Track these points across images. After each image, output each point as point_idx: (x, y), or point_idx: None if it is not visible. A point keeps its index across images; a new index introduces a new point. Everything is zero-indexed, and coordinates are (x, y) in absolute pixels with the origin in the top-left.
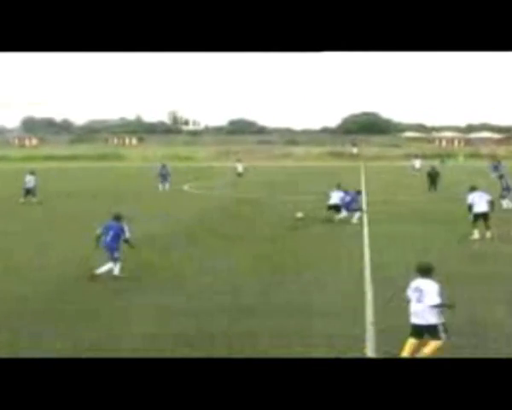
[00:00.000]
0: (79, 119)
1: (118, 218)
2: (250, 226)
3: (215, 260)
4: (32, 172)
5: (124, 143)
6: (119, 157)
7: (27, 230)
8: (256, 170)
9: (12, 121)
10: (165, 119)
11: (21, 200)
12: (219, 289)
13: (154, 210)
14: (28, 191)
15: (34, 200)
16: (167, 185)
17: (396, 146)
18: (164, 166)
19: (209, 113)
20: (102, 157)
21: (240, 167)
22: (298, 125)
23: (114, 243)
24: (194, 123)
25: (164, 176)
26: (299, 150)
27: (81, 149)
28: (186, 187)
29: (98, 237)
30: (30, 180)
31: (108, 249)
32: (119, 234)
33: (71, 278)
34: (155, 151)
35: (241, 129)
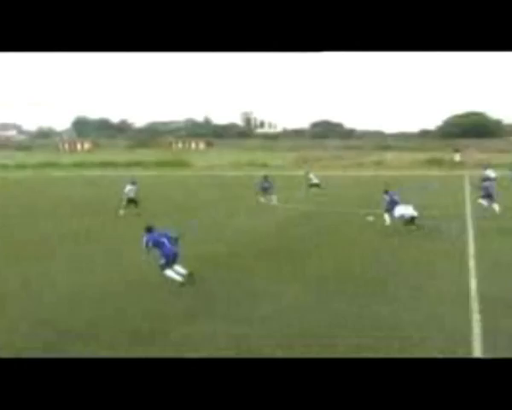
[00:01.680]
0: (139, 120)
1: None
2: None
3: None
4: (134, 182)
5: (190, 148)
6: (183, 164)
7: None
8: (340, 179)
9: (61, 123)
10: (238, 121)
11: (121, 212)
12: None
13: (224, 225)
14: (130, 201)
15: (136, 210)
16: (273, 198)
17: (506, 151)
18: (266, 179)
19: (288, 114)
20: (164, 164)
21: (314, 178)
22: (391, 127)
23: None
24: (271, 125)
25: (266, 189)
26: (391, 157)
27: (141, 154)
28: (262, 199)
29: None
30: (131, 190)
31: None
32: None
33: None
34: (225, 157)
35: (324, 132)
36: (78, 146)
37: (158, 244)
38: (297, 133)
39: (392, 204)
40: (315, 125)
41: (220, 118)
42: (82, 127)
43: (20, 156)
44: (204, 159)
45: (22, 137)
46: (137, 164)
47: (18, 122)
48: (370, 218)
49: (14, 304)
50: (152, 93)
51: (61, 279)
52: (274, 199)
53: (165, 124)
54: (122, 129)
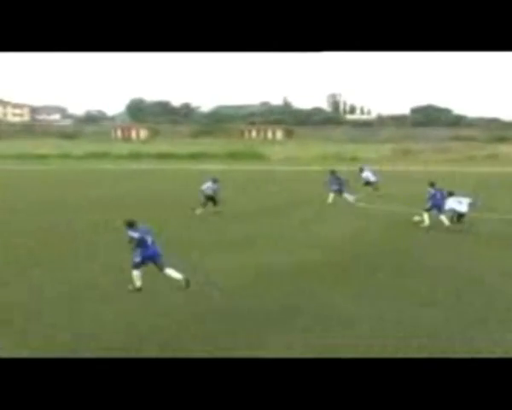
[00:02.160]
0: (205, 104)
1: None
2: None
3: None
4: (215, 180)
5: (265, 138)
6: (257, 156)
7: None
8: (448, 177)
9: (113, 106)
10: (324, 105)
11: (198, 211)
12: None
13: (313, 227)
14: (209, 199)
15: (217, 208)
16: (350, 197)
17: None
18: (334, 174)
19: (384, 97)
20: (234, 156)
21: (371, 175)
22: (509, 114)
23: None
24: (364, 111)
25: (337, 186)
26: (508, 150)
27: (206, 144)
28: (351, 199)
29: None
30: (209, 188)
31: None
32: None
33: None
34: (308, 149)
35: (428, 119)
36: (133, 133)
37: (141, 242)
38: (395, 120)
39: (436, 202)
40: (416, 110)
41: (302, 102)
42: (138, 111)
43: (64, 145)
44: (282, 150)
45: (67, 121)
46: (202, 155)
47: (63, 104)
48: (417, 218)
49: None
50: (220, 71)
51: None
52: (350, 198)
53: (235, 108)
54: (185, 114)
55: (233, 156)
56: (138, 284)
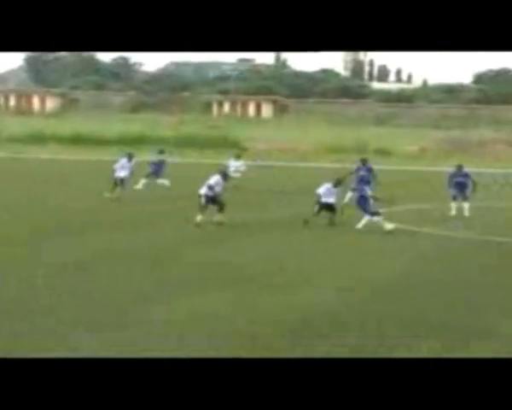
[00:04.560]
0: (150, 59)
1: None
2: None
3: None
4: (131, 156)
5: (244, 115)
6: (231, 144)
7: None
8: None
9: (4, 60)
10: (338, 66)
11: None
12: None
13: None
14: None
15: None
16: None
17: None
18: (364, 163)
19: (434, 58)
20: (194, 142)
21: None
22: None
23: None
24: (401, 77)
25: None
26: None
27: (150, 121)
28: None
29: None
30: (123, 167)
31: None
32: None
33: None
34: (309, 135)
35: (499, 93)
36: (35, 103)
37: None
38: (449, 93)
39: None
40: (482, 78)
41: (304, 60)
42: (43, 69)
43: None
44: (270, 135)
45: None
46: (143, 139)
47: None
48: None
49: None
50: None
51: None
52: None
53: (198, 67)
54: (118, 75)
55: (191, 143)
56: None
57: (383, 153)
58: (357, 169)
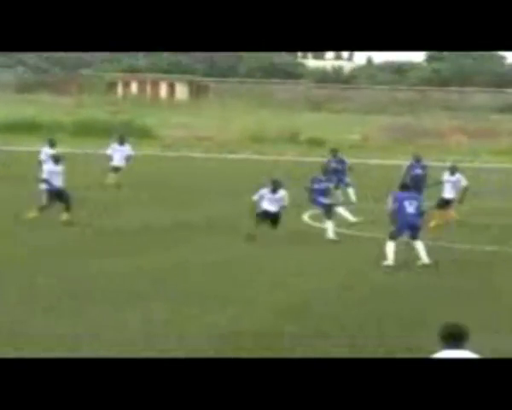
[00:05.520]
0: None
1: None
2: None
3: None
4: (52, 144)
5: (155, 97)
6: (140, 133)
7: None
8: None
9: None
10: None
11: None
12: None
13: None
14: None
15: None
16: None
17: None
18: (335, 156)
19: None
20: (90, 129)
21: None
22: None
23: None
24: (341, 54)
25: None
26: None
27: (37, 104)
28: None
29: None
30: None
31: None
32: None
33: None
34: (233, 121)
35: (456, 73)
36: None
37: None
38: (396, 73)
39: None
40: (436, 56)
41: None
42: None
43: None
44: (187, 122)
45: None
46: (32, 125)
47: None
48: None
49: None
50: None
51: None
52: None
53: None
54: None
55: (87, 130)
56: None
57: (318, 142)
58: (328, 162)
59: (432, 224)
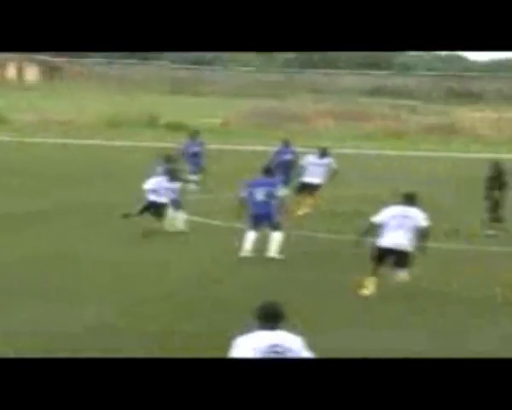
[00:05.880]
0: None
1: None
2: None
3: None
4: None
5: (2, 76)
6: None
7: None
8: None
9: None
10: None
11: None
12: None
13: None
14: None
15: None
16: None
17: None
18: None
19: None
20: None
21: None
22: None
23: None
24: None
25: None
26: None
27: None
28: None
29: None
30: None
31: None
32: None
33: None
34: (86, 104)
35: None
36: None
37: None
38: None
39: None
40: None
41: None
42: None
43: None
44: (38, 104)
45: None
46: None
47: None
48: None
49: None
50: None
51: None
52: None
53: None
54: None
55: None
56: None
57: (177, 127)
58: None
59: (299, 212)
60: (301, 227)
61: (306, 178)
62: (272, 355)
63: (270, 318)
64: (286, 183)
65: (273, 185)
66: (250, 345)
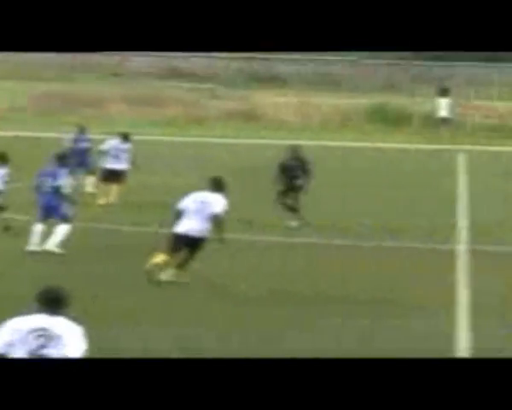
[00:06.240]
0: None
1: None
2: None
3: None
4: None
5: None
6: None
7: None
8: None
9: None
10: None
11: None
12: None
13: None
14: None
15: None
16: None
17: None
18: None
19: None
20: None
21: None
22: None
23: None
24: None
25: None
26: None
27: None
28: None
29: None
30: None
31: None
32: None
33: None
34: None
35: None
36: None
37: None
38: None
39: None
40: None
41: None
42: None
43: None
44: None
45: None
46: None
47: None
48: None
49: None
50: None
51: None
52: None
53: None
54: None
55: None
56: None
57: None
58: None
59: (101, 201)
60: (103, 219)
61: (110, 165)
62: (31, 339)
63: (50, 302)
64: (86, 170)
65: (56, 175)
66: (12, 326)
